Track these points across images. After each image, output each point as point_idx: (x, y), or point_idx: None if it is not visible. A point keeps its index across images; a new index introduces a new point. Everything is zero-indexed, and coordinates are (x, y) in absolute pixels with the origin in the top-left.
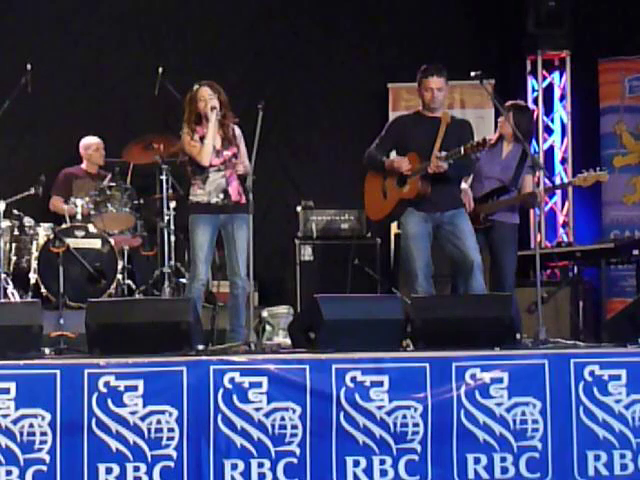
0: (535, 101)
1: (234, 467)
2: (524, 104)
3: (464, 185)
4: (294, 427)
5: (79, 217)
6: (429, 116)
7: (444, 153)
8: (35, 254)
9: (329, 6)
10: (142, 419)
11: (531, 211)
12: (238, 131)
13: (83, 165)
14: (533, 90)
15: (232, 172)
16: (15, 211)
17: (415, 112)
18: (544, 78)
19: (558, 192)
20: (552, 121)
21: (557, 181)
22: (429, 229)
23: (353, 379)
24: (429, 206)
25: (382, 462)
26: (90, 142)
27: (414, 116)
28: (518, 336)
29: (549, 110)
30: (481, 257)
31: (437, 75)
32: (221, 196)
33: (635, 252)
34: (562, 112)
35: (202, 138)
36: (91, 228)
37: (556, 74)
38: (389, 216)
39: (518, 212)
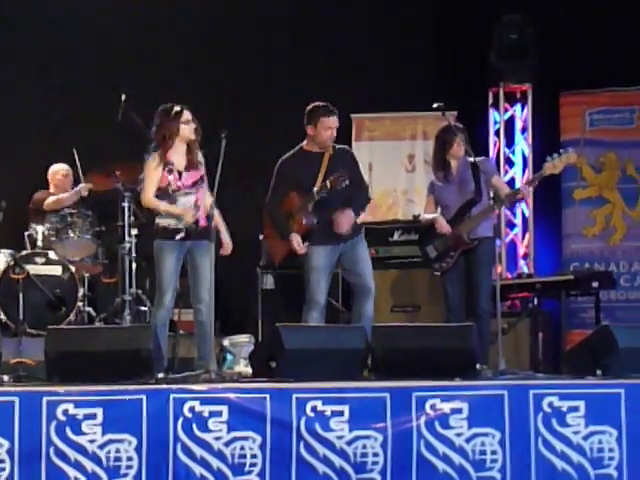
0: (497, 133)
1: None
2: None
3: (434, 215)
4: (254, 456)
5: (40, 244)
6: (314, 152)
7: (316, 189)
8: None
9: (292, 37)
10: (101, 447)
11: None
12: (202, 160)
13: (51, 190)
14: (495, 122)
15: (200, 197)
16: None
17: (299, 149)
18: (506, 110)
19: (519, 224)
20: (513, 153)
21: (518, 214)
22: (333, 261)
23: (314, 409)
24: (334, 238)
25: None
26: (58, 168)
27: (299, 154)
28: (478, 366)
29: (510, 142)
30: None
31: (336, 115)
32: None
33: (594, 284)
34: (523, 144)
35: (167, 164)
36: (51, 255)
37: (518, 106)
38: (289, 253)
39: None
